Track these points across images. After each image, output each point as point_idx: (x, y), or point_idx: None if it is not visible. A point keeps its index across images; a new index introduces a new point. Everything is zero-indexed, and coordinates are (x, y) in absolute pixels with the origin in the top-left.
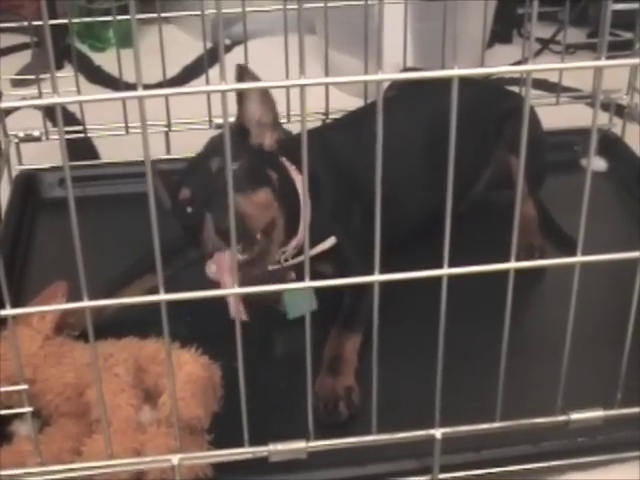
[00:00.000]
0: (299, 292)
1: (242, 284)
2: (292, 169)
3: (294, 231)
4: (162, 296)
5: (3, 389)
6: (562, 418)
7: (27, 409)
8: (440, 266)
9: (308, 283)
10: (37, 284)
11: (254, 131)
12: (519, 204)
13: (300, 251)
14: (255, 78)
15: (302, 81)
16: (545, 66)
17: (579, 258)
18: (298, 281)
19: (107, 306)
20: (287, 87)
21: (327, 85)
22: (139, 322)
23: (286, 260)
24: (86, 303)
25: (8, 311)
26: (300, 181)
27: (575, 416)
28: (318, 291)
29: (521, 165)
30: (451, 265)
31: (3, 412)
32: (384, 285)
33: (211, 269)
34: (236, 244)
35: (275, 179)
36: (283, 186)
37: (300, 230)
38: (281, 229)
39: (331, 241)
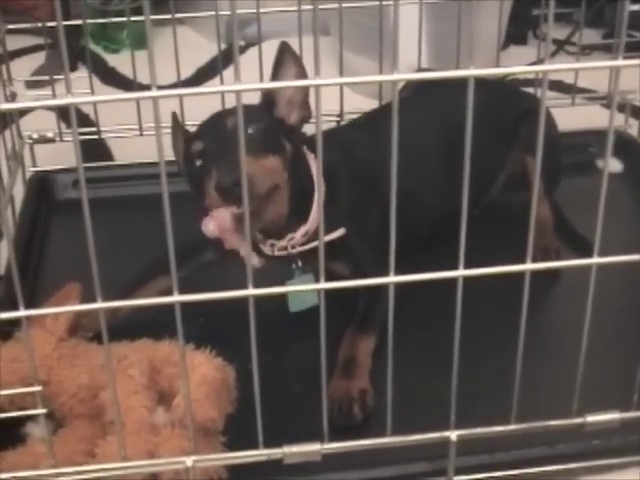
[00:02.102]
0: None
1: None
2: (311, 157)
3: (304, 218)
4: (176, 297)
5: (17, 391)
6: (578, 420)
7: (41, 411)
8: (456, 268)
9: (322, 285)
10: (51, 285)
11: (281, 105)
12: (535, 205)
13: (309, 240)
14: (295, 57)
15: (317, 81)
16: (562, 66)
17: (595, 259)
18: (304, 270)
19: (121, 307)
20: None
21: (342, 86)
22: (153, 324)
23: (293, 247)
24: (100, 304)
25: (22, 312)
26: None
27: (591, 418)
28: (328, 290)
29: (537, 166)
30: (467, 267)
31: (17, 414)
32: (399, 287)
33: (208, 227)
34: (233, 203)
35: (289, 151)
36: (297, 164)
37: (310, 218)
38: (283, 197)
39: (340, 231)
